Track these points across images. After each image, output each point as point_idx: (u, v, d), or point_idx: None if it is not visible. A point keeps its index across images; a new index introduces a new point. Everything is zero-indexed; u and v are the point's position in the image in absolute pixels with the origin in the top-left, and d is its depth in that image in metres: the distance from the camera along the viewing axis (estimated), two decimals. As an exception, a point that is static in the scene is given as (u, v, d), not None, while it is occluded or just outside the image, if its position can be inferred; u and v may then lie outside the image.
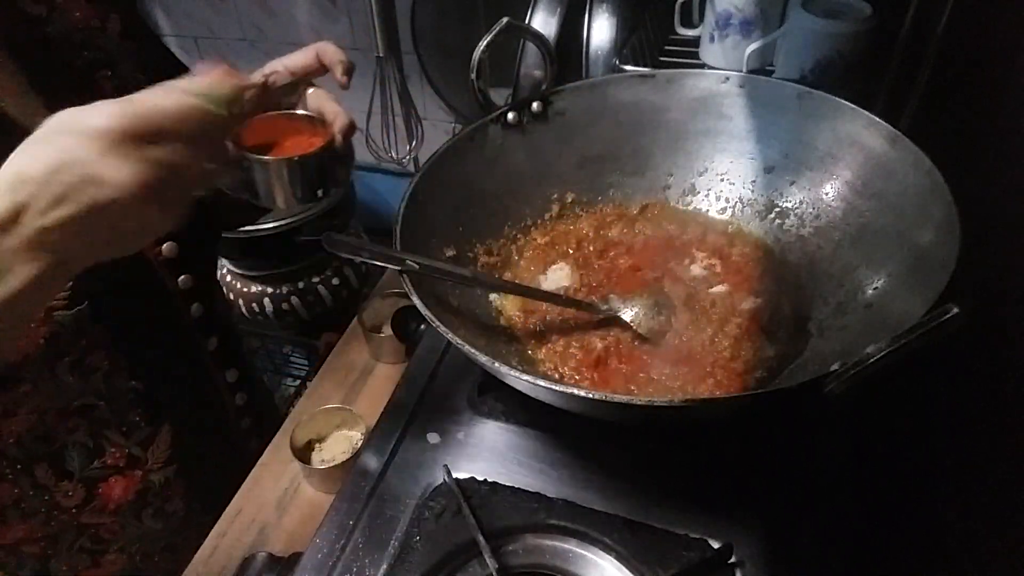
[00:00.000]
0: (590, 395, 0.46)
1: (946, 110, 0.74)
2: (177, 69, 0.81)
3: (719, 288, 0.68)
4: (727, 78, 0.70)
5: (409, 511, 0.59)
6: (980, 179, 0.60)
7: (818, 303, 0.63)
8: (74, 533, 0.74)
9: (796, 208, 0.70)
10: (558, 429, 0.63)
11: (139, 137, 0.41)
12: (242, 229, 1.48)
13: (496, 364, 0.49)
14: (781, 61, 0.82)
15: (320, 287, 1.75)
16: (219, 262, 1.77)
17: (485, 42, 0.64)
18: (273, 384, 1.85)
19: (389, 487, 0.61)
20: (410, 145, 1.64)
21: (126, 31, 0.71)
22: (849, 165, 0.65)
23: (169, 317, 0.77)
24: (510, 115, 0.70)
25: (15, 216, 0.38)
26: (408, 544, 0.56)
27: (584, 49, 0.86)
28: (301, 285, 1.73)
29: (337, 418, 0.89)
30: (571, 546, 0.56)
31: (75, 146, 0.39)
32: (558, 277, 0.71)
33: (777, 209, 0.71)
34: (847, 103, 0.64)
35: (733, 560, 0.54)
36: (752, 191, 0.73)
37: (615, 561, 0.55)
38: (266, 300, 1.73)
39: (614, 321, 0.65)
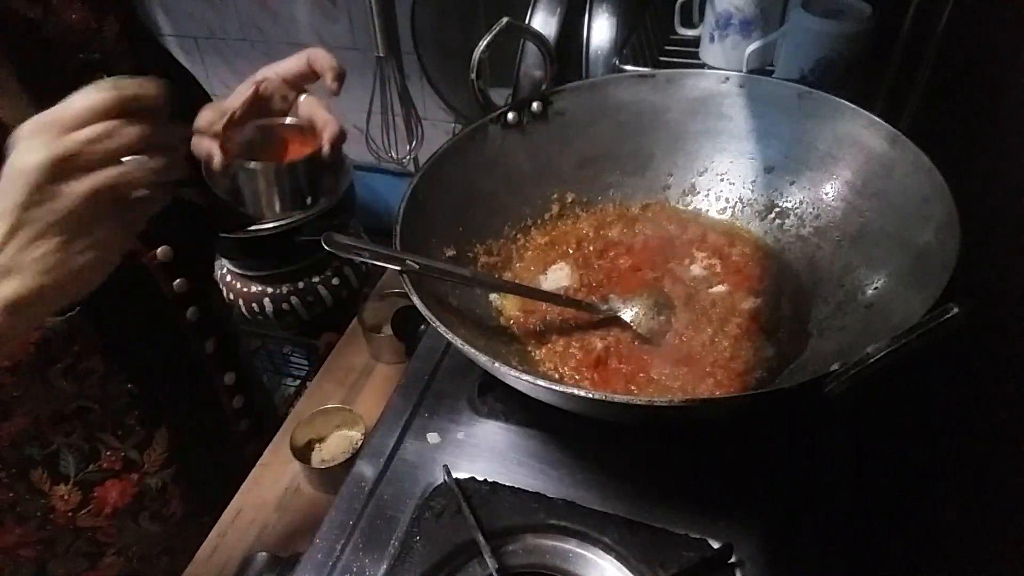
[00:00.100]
0: (590, 395, 0.46)
1: (946, 110, 0.74)
2: (176, 71, 0.81)
3: (719, 288, 0.68)
4: (727, 78, 0.70)
5: (409, 511, 0.59)
6: (980, 179, 0.60)
7: (818, 303, 0.63)
8: (71, 537, 0.74)
9: (796, 208, 0.70)
10: (558, 429, 0.63)
11: (70, 167, 0.42)
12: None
13: (496, 364, 0.49)
14: (781, 61, 0.82)
15: (320, 287, 1.75)
16: (219, 262, 1.77)
17: (485, 42, 0.63)
18: (273, 384, 1.85)
19: (389, 487, 0.61)
20: (410, 145, 1.64)
21: (124, 33, 0.70)
22: (849, 165, 0.65)
23: (165, 321, 0.77)
24: (510, 115, 0.70)
25: None
26: (408, 544, 0.56)
27: (584, 49, 0.86)
28: (301, 285, 1.73)
29: (337, 418, 0.89)
30: (571, 546, 0.56)
31: (10, 189, 0.41)
32: (558, 277, 0.71)
33: (777, 209, 0.71)
34: (847, 103, 0.64)
35: (733, 560, 0.54)
36: (752, 191, 0.73)
37: (615, 561, 0.55)
38: (266, 300, 1.73)
39: (614, 321, 0.65)
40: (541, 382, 0.47)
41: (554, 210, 0.75)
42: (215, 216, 0.82)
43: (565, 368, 0.63)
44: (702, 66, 0.87)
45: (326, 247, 0.56)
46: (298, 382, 1.82)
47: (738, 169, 0.73)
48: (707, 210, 0.75)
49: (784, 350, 0.61)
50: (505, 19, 0.64)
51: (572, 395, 0.48)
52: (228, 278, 1.76)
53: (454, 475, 0.60)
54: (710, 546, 0.54)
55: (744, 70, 0.82)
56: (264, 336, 1.83)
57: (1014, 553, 0.48)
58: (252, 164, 0.56)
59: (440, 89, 1.77)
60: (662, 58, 0.91)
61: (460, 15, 1.64)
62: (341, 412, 0.88)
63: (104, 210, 0.44)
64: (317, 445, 0.88)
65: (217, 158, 0.56)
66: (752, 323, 0.64)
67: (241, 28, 1.90)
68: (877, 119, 0.62)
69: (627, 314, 0.64)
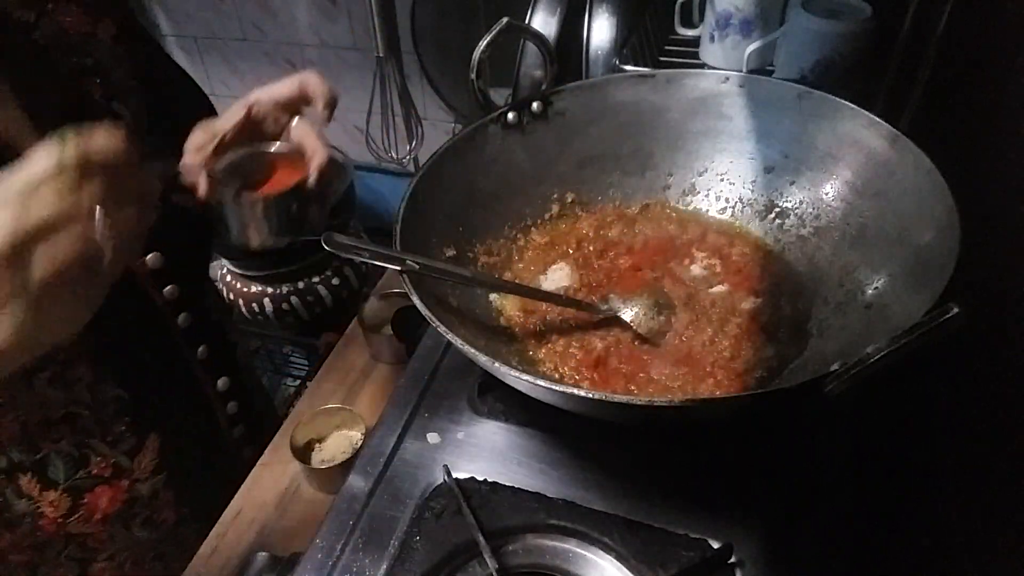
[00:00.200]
0: (590, 395, 0.46)
1: (946, 110, 0.74)
2: (175, 72, 0.81)
3: (719, 288, 0.68)
4: (727, 78, 0.70)
5: (409, 511, 0.59)
6: (980, 179, 0.60)
7: (818, 303, 0.63)
8: (61, 543, 0.73)
9: (796, 208, 0.70)
10: (558, 429, 0.63)
11: (33, 242, 0.39)
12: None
13: (496, 364, 0.49)
14: (781, 61, 0.82)
15: (320, 287, 1.75)
16: (219, 262, 1.77)
17: (485, 42, 0.63)
18: (273, 384, 1.85)
19: (389, 487, 0.61)
20: (410, 145, 1.64)
21: (119, 36, 0.69)
22: (849, 165, 0.65)
23: (155, 327, 0.76)
24: (510, 115, 0.70)
25: None
26: (408, 544, 0.56)
27: (584, 49, 0.86)
28: (301, 285, 1.73)
29: (337, 418, 0.89)
30: (571, 546, 0.56)
31: None
32: (558, 277, 0.71)
33: (777, 209, 0.71)
34: (847, 103, 0.64)
35: (733, 560, 0.54)
36: (752, 191, 0.73)
37: (615, 561, 0.55)
38: (266, 300, 1.73)
39: (614, 321, 0.65)
40: (541, 382, 0.47)
41: (554, 210, 0.75)
42: (208, 223, 0.81)
43: (565, 368, 0.63)
44: (702, 66, 0.87)
45: (326, 247, 0.56)
46: (298, 382, 1.82)
47: (738, 169, 0.73)
48: (707, 210, 0.75)
49: (784, 350, 0.61)
50: (505, 19, 0.64)
51: (572, 395, 0.48)
52: (228, 278, 1.76)
53: (454, 475, 0.60)
54: (710, 546, 0.54)
55: (744, 70, 0.82)
56: (264, 336, 1.84)
57: (1014, 553, 0.48)
58: (236, 195, 0.55)
59: (440, 89, 1.78)
60: (662, 58, 0.92)
61: (460, 15, 1.64)
62: (341, 412, 0.88)
63: (73, 277, 0.42)
64: (317, 445, 0.88)
65: (202, 188, 0.56)
66: (752, 323, 0.64)
67: (241, 28, 1.90)
68: (877, 119, 0.62)
69: (627, 314, 0.64)
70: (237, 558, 0.75)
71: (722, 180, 0.74)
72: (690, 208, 0.75)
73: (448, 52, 1.71)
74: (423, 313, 0.51)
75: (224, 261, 1.75)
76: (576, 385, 0.61)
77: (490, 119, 0.69)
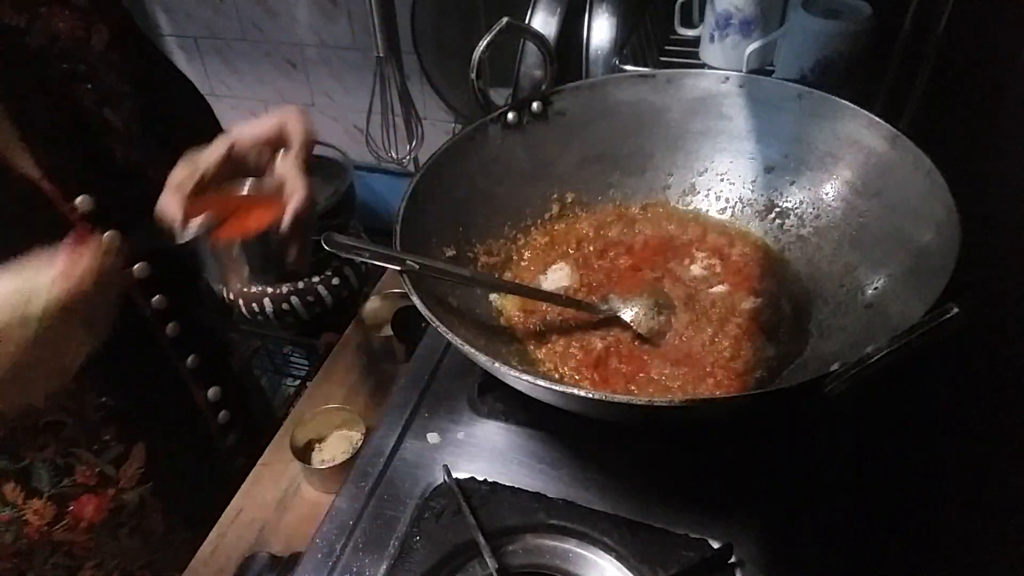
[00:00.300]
0: (590, 395, 0.46)
1: (946, 110, 0.74)
2: (171, 76, 0.80)
3: (719, 288, 0.68)
4: (727, 78, 0.70)
5: (409, 511, 0.59)
6: (980, 179, 0.60)
7: (818, 303, 0.63)
8: (47, 550, 0.72)
9: (796, 208, 0.70)
10: (558, 429, 0.63)
11: None
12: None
13: (496, 364, 0.49)
14: (781, 61, 0.82)
15: (320, 287, 1.75)
16: (219, 262, 1.76)
17: (485, 42, 0.63)
18: (273, 384, 1.85)
19: (389, 487, 0.61)
20: (410, 145, 1.64)
21: (114, 42, 0.68)
22: (849, 165, 0.65)
23: (142, 337, 0.75)
24: (510, 115, 0.70)
25: None
26: (408, 544, 0.56)
27: (584, 49, 0.86)
28: (301, 285, 1.73)
29: (337, 418, 0.89)
30: (571, 546, 0.56)
31: None
32: (558, 277, 0.71)
33: (777, 209, 0.71)
34: (847, 103, 0.64)
35: (733, 560, 0.54)
36: (752, 191, 0.73)
37: (615, 561, 0.55)
38: (266, 300, 1.73)
39: (614, 321, 0.65)
40: (541, 382, 0.47)
41: (554, 210, 0.75)
42: None
43: (565, 368, 0.63)
44: (702, 66, 0.87)
45: (326, 247, 0.56)
46: (298, 382, 1.82)
47: (738, 169, 0.73)
48: (707, 210, 0.75)
49: (784, 350, 0.61)
50: (505, 19, 0.64)
51: (572, 395, 0.48)
52: (228, 278, 1.76)
53: (454, 475, 0.60)
54: (710, 546, 0.54)
55: (744, 70, 0.82)
56: (264, 336, 1.83)
57: (1014, 553, 0.48)
58: (210, 240, 0.55)
59: (440, 89, 1.77)
60: (662, 58, 0.91)
61: (460, 15, 1.64)
62: (341, 412, 0.88)
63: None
64: (317, 445, 0.88)
65: (178, 234, 0.56)
66: (752, 323, 0.64)
67: (241, 28, 1.90)
68: (877, 119, 0.62)
69: (627, 314, 0.64)
70: (237, 558, 0.75)
71: (722, 180, 0.74)
72: (690, 208, 0.75)
73: (448, 52, 1.71)
74: (423, 313, 0.51)
75: (224, 261, 1.74)
76: (576, 385, 0.61)
77: (490, 119, 0.69)
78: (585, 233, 0.74)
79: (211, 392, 0.83)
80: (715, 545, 0.54)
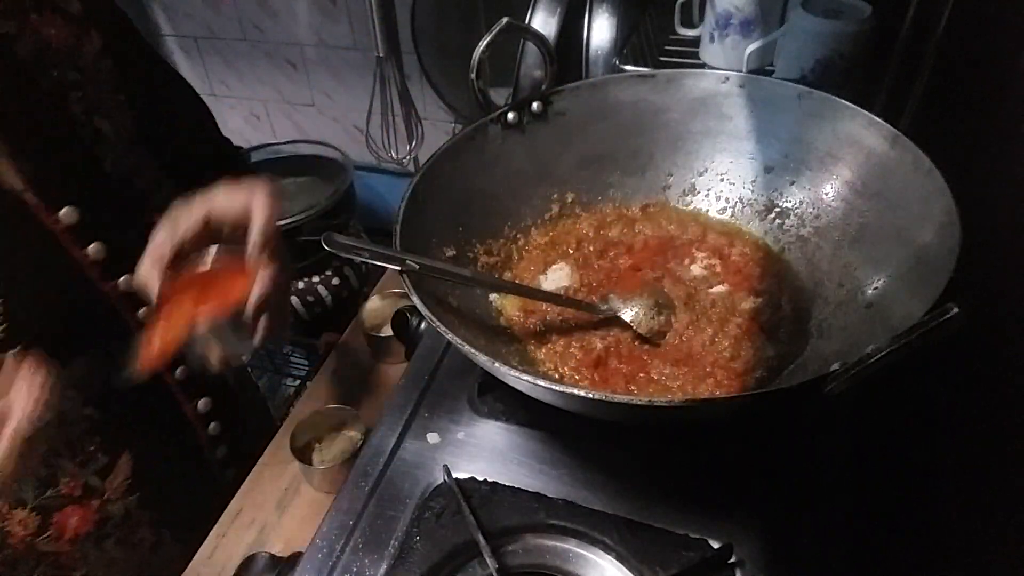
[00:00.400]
0: (590, 395, 0.46)
1: (946, 110, 0.74)
2: (169, 78, 0.80)
3: (719, 288, 0.68)
4: (727, 78, 0.70)
5: (409, 511, 0.59)
6: (980, 179, 0.60)
7: (818, 303, 0.63)
8: (32, 561, 0.72)
9: (796, 208, 0.70)
10: (558, 429, 0.63)
11: None
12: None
13: (496, 364, 0.49)
14: (781, 61, 0.82)
15: (320, 287, 1.75)
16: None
17: (485, 42, 0.63)
18: (273, 384, 1.85)
19: (389, 487, 0.61)
20: (410, 145, 1.64)
21: (107, 47, 0.67)
22: (849, 165, 0.65)
23: (127, 349, 0.74)
24: (510, 115, 0.70)
25: None
26: (408, 544, 0.56)
27: (584, 49, 0.86)
28: (301, 285, 1.73)
29: (337, 418, 0.89)
30: (571, 546, 0.56)
31: None
32: (558, 277, 0.71)
33: (777, 209, 0.71)
34: (847, 103, 0.64)
35: (733, 560, 0.54)
36: (752, 191, 0.73)
37: (615, 561, 0.55)
38: (266, 300, 1.73)
39: (614, 321, 0.65)
40: (541, 382, 0.47)
41: (554, 210, 0.75)
42: None
43: (565, 368, 0.63)
44: (702, 66, 0.87)
45: (326, 247, 0.56)
46: (298, 382, 1.82)
47: (738, 169, 0.73)
48: (707, 210, 0.75)
49: (784, 350, 0.61)
50: (505, 19, 0.64)
51: (572, 395, 0.48)
52: (228, 278, 1.76)
53: (454, 475, 0.60)
54: (710, 546, 0.54)
55: (744, 70, 0.82)
56: (264, 336, 1.83)
57: (1014, 553, 0.48)
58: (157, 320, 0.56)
59: (440, 89, 1.78)
60: (662, 58, 0.92)
61: (460, 15, 1.64)
62: (341, 412, 0.88)
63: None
64: (317, 445, 0.88)
65: (152, 307, 0.56)
66: (752, 323, 0.64)
67: (241, 28, 1.90)
68: (877, 119, 0.62)
69: (627, 314, 0.64)
70: (237, 558, 0.75)
71: (722, 180, 0.74)
72: (690, 208, 0.75)
73: (448, 52, 1.71)
74: (423, 313, 0.51)
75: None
76: (576, 385, 0.61)
77: (490, 119, 0.69)
78: (585, 233, 0.74)
79: (201, 403, 0.82)
80: (715, 545, 0.54)
